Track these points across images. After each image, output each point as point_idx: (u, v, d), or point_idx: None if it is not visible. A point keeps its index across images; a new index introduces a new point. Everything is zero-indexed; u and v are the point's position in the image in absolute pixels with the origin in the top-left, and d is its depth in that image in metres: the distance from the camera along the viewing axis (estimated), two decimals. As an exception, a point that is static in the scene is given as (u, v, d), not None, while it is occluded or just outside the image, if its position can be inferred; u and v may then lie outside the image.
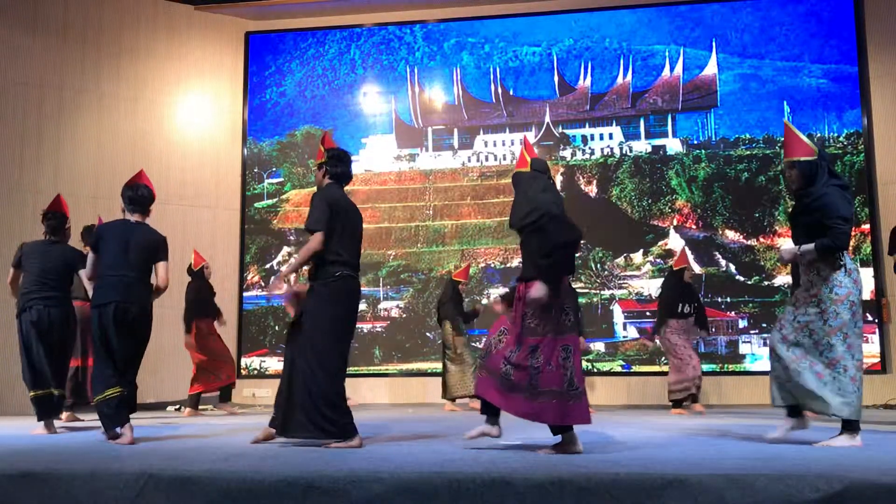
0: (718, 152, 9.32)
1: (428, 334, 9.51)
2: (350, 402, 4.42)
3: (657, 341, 7.76)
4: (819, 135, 9.11)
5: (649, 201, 9.40)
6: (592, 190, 9.56)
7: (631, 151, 9.51)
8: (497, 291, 9.48)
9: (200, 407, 8.91)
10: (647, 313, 9.02)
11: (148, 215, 5.03)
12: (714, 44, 9.48)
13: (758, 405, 8.04)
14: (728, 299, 9.05)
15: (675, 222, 9.32)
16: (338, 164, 4.57)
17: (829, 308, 4.03)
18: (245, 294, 9.91)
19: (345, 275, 4.37)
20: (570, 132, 9.72)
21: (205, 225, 9.70)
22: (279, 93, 10.30)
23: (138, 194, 4.98)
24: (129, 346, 4.71)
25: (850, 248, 4.26)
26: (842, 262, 4.06)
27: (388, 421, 6.42)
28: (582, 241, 9.82)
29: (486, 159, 9.83)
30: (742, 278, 9.07)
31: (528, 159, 4.22)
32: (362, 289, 10.38)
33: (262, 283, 9.99)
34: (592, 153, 9.64)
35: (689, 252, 8.58)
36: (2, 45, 8.82)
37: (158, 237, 4.94)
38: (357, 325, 9.61)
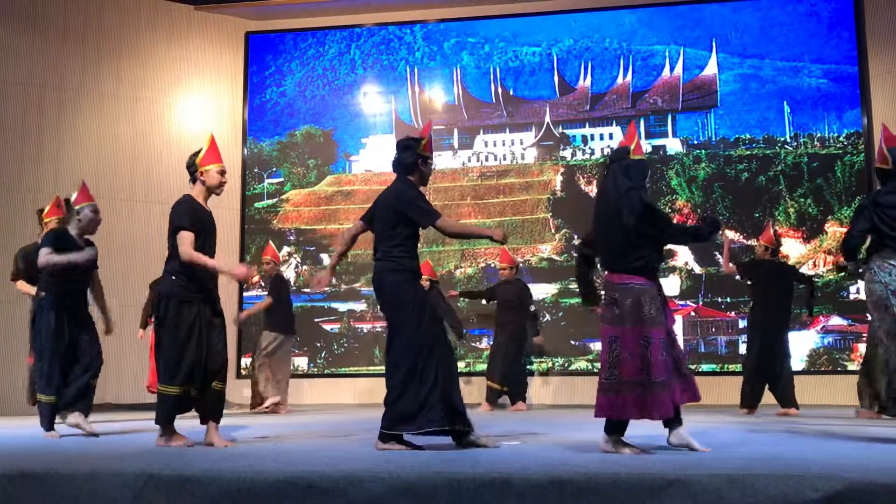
0: (718, 152, 9.32)
1: (428, 334, 9.50)
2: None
3: None
4: (819, 134, 9.12)
5: (649, 201, 9.39)
6: (592, 190, 9.55)
7: (631, 151, 9.50)
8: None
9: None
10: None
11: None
12: (714, 44, 9.48)
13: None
14: (728, 299, 9.05)
15: (674, 222, 9.32)
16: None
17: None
18: (245, 294, 9.91)
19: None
20: (570, 132, 9.72)
21: (205, 225, 9.71)
22: (279, 93, 10.30)
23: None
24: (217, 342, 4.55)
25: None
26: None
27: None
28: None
29: (486, 159, 9.83)
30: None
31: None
32: (363, 289, 10.39)
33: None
34: (592, 153, 9.64)
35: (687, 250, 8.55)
36: (2, 45, 8.82)
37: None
38: (357, 325, 9.73)
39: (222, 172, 4.63)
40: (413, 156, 4.39)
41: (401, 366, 4.16)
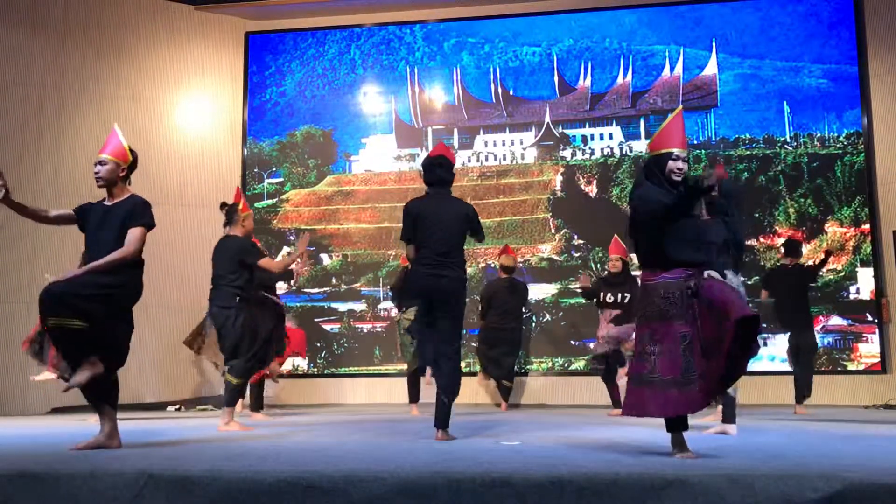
0: (718, 152, 9.32)
1: (428, 334, 9.49)
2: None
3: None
4: (819, 134, 9.12)
5: (649, 201, 9.38)
6: (592, 190, 9.56)
7: (631, 151, 9.51)
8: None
9: (199, 407, 8.87)
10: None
11: None
12: (714, 44, 9.48)
13: (757, 405, 8.04)
14: (728, 299, 9.04)
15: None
16: (425, 173, 5.02)
17: None
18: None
19: (415, 269, 4.90)
20: (570, 132, 9.72)
21: (205, 225, 9.66)
22: (279, 93, 10.30)
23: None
24: None
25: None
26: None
27: (388, 421, 6.43)
28: (582, 241, 9.70)
29: (486, 159, 9.83)
30: (742, 278, 9.04)
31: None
32: (363, 289, 10.36)
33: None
34: (592, 153, 9.64)
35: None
36: (2, 46, 8.82)
37: None
38: (357, 325, 9.72)
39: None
40: (451, 175, 4.96)
41: (455, 343, 4.83)
